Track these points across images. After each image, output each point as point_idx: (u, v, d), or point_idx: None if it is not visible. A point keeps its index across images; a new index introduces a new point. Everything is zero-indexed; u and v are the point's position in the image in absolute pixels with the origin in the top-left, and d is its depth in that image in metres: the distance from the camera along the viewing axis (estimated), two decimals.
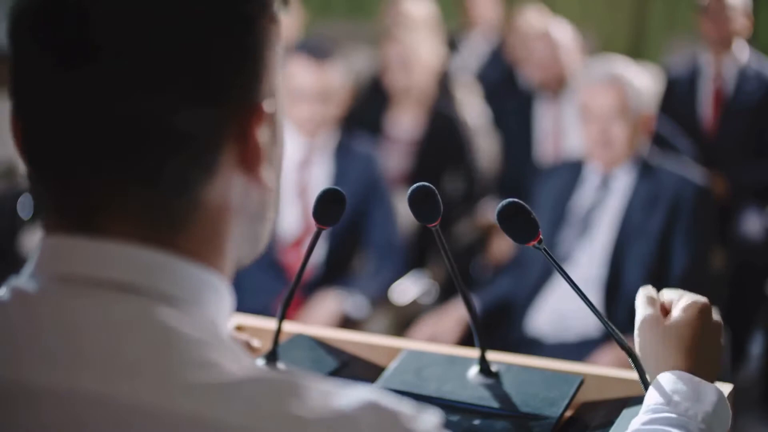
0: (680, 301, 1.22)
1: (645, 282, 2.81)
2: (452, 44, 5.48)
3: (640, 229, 3.03)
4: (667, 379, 1.15)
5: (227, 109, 0.82)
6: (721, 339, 1.23)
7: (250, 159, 0.85)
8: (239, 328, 1.56)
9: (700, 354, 1.18)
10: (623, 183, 3.10)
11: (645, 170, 3.08)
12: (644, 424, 1.12)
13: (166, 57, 0.79)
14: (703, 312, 1.20)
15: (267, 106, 0.85)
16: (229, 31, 0.82)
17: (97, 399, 0.75)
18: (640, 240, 3.02)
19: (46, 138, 0.82)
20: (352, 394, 0.76)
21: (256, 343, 1.41)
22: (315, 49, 3.37)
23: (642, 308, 1.22)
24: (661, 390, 1.14)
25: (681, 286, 1.37)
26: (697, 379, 1.15)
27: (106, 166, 0.80)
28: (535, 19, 5.02)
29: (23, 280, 0.83)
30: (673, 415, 1.11)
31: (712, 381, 1.17)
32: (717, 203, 3.67)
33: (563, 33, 4.37)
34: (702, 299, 1.22)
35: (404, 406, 0.77)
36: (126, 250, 0.80)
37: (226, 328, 0.86)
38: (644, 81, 3.16)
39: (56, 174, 0.82)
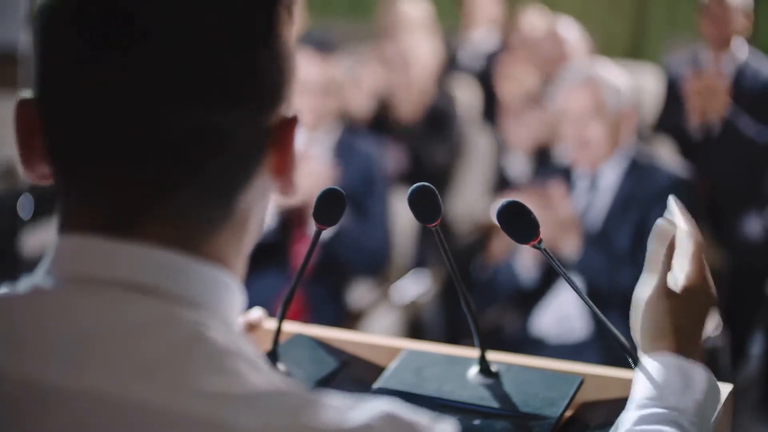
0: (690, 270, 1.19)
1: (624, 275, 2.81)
2: (452, 44, 5.47)
3: (620, 224, 3.03)
4: (654, 367, 1.12)
5: (273, 116, 0.82)
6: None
7: (287, 166, 0.85)
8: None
9: (697, 332, 1.16)
10: (610, 180, 3.11)
11: (632, 167, 3.09)
12: (635, 424, 1.09)
13: (215, 61, 0.78)
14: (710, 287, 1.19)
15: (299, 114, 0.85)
16: (270, 38, 0.81)
17: (108, 399, 0.74)
18: (619, 236, 3.02)
19: (80, 136, 0.80)
20: (368, 407, 0.76)
21: (257, 315, 1.44)
22: (319, 42, 3.37)
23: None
24: (650, 380, 1.12)
25: None
26: (685, 363, 1.12)
27: (144, 169, 0.79)
28: (539, 20, 5.00)
29: (39, 278, 0.82)
30: (663, 411, 1.09)
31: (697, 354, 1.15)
32: (709, 202, 3.66)
33: (571, 32, 4.41)
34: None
35: (421, 417, 0.77)
36: (147, 252, 0.79)
37: (238, 325, 0.86)
38: (622, 79, 3.17)
39: (87, 173, 0.80)
